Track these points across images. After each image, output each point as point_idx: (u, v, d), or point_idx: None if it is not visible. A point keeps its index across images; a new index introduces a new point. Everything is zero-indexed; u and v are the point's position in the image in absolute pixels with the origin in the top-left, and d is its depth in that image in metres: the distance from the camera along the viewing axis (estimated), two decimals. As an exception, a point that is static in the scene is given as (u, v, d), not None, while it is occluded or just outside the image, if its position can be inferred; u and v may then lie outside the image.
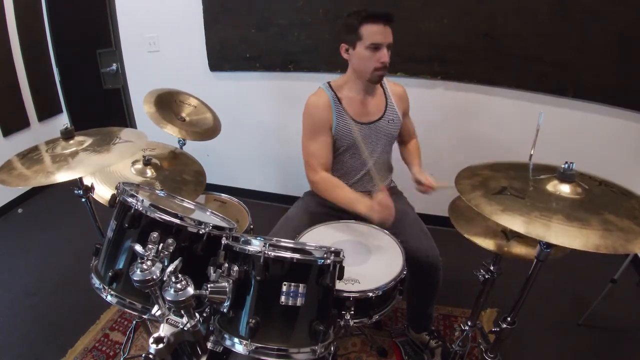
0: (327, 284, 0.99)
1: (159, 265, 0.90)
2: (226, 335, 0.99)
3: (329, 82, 1.55)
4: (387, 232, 1.43)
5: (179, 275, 0.88)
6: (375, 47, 1.38)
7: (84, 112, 3.25)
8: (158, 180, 1.52)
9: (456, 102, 2.33)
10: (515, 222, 0.85)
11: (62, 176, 1.11)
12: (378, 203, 1.31)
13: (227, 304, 0.98)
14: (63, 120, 3.26)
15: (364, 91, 1.53)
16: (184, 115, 1.82)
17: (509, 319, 1.11)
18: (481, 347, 1.25)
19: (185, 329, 0.91)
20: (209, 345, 1.07)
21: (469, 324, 1.36)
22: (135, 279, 0.87)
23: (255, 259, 0.95)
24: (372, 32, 1.37)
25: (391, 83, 1.63)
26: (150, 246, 0.93)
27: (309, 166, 1.52)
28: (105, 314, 1.94)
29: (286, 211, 1.63)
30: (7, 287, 2.13)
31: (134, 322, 1.79)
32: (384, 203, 1.30)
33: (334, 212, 1.56)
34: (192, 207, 1.32)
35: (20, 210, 2.91)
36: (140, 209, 1.02)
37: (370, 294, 1.16)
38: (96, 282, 1.06)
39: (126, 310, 1.04)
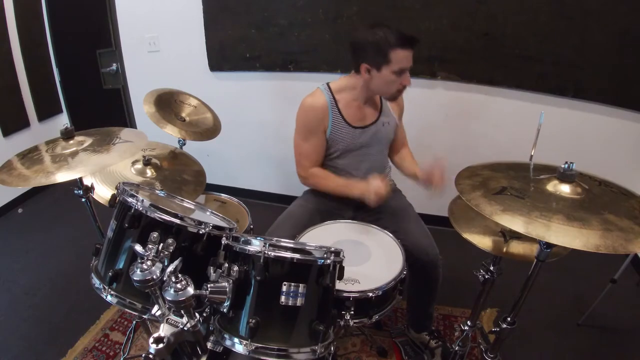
0: (327, 284, 0.99)
1: (159, 265, 0.90)
2: (226, 335, 0.99)
3: (328, 84, 1.52)
4: (387, 232, 1.43)
5: (179, 275, 0.88)
6: (402, 71, 1.37)
7: (84, 112, 3.25)
8: (158, 180, 1.52)
9: (456, 102, 2.33)
10: (515, 222, 0.85)
11: (62, 176, 1.12)
12: (374, 191, 1.34)
13: (227, 304, 0.98)
14: (63, 120, 3.26)
15: (365, 98, 1.51)
16: (184, 115, 1.82)
17: (509, 319, 1.11)
18: (481, 347, 1.26)
19: (185, 329, 0.91)
20: (209, 345, 1.07)
21: (469, 324, 1.36)
22: (135, 279, 0.87)
23: (256, 259, 0.96)
24: (402, 57, 1.34)
25: None
26: (150, 246, 0.92)
27: (299, 164, 1.55)
28: (105, 314, 1.94)
29: (286, 211, 1.63)
30: (7, 287, 2.13)
31: (134, 322, 1.80)
32: (378, 190, 1.34)
33: (334, 211, 1.56)
34: (192, 207, 1.32)
35: (20, 210, 2.91)
36: (140, 209, 1.02)
37: (370, 294, 1.16)
38: (96, 282, 1.07)
39: (126, 310, 1.04)
